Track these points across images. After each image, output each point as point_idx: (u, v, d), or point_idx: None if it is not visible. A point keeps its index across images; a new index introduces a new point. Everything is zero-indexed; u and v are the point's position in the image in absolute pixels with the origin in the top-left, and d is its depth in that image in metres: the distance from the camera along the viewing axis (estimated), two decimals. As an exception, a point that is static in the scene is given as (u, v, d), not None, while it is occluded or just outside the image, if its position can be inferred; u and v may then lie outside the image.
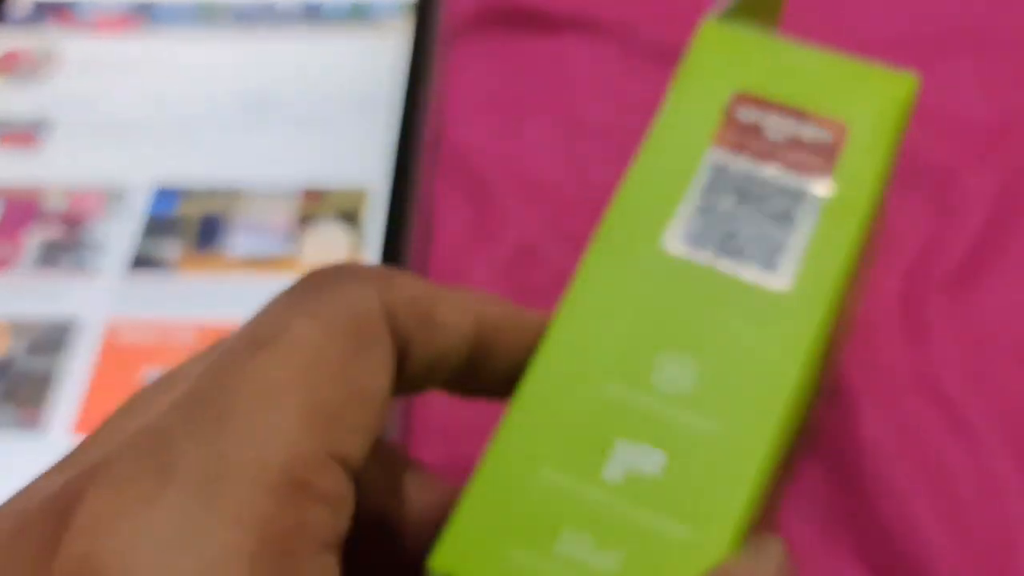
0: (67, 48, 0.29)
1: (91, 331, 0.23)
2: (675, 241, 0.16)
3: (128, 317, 0.24)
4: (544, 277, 0.25)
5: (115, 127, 0.27)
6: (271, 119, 0.27)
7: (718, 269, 0.16)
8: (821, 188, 0.17)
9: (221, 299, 0.24)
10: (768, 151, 0.17)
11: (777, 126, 0.17)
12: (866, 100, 0.17)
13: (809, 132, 0.17)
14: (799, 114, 0.17)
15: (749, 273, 0.16)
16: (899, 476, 0.22)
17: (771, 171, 0.17)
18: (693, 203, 0.17)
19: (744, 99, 0.18)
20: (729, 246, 0.16)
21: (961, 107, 0.27)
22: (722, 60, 0.18)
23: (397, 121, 0.27)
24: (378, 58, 0.28)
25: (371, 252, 0.24)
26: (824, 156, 0.17)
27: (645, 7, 0.30)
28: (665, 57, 0.29)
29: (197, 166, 0.26)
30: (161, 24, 0.30)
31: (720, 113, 0.17)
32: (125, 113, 0.28)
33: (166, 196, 0.26)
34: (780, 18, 0.22)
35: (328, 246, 0.25)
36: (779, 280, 0.16)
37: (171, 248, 0.25)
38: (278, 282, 0.24)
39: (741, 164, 0.17)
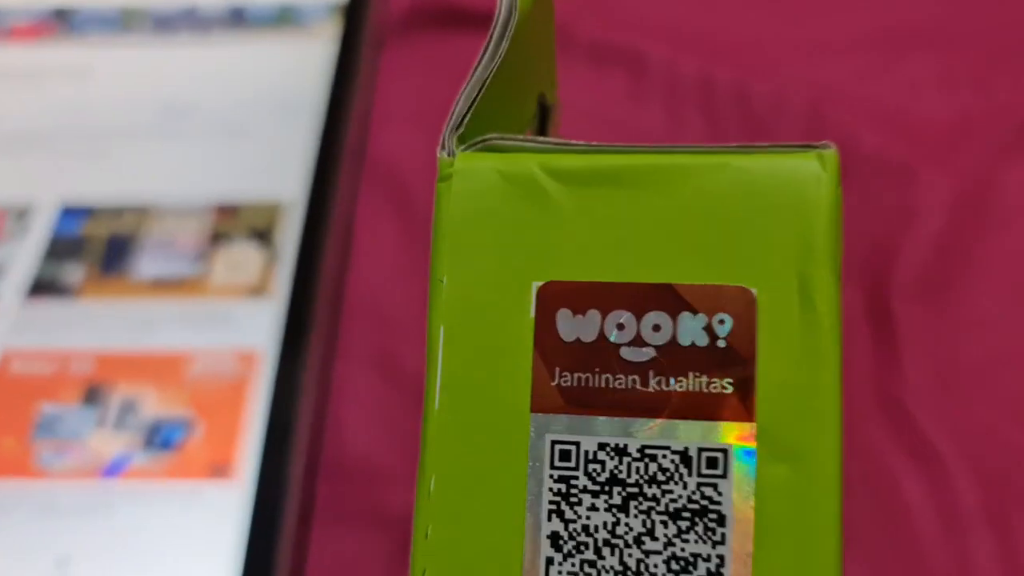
0: (-19, 58, 0.27)
1: (-16, 363, 0.21)
2: None
3: (23, 348, 0.22)
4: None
5: (24, 140, 0.25)
6: (187, 130, 0.25)
7: None
8: (741, 429, 0.10)
9: (124, 326, 0.22)
10: (632, 388, 0.10)
11: (632, 329, 0.10)
12: (769, 221, 0.10)
13: (691, 325, 0.10)
14: (663, 295, 0.10)
15: None
16: (850, 510, 0.19)
17: (652, 426, 0.10)
18: (522, 535, 0.10)
19: (558, 294, 0.10)
20: None
21: (920, 106, 0.25)
22: (499, 226, 0.11)
23: (319, 131, 0.25)
24: (304, 64, 0.26)
25: (284, 272, 0.22)
26: (731, 357, 0.10)
27: (583, 4, 0.27)
28: (603, 57, 0.26)
29: (107, 182, 0.24)
30: (79, 31, 0.27)
31: (523, 335, 0.10)
32: (36, 126, 0.25)
33: (72, 215, 0.24)
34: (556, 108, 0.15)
35: (240, 266, 0.23)
36: None
37: (73, 272, 0.23)
38: (186, 305, 0.22)
39: (597, 430, 0.10)
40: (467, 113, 0.11)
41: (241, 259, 0.22)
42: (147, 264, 0.22)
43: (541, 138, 0.11)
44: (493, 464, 0.10)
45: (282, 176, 0.23)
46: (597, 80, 0.25)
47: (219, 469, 0.19)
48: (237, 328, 0.21)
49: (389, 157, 0.24)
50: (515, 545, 0.10)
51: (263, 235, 0.22)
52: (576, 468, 0.10)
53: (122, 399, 0.20)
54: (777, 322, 0.10)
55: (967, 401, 0.20)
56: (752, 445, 0.10)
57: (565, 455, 0.10)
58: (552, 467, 0.10)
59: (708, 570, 0.10)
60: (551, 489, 0.10)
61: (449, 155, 0.11)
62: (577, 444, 0.10)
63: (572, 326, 0.11)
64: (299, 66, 0.25)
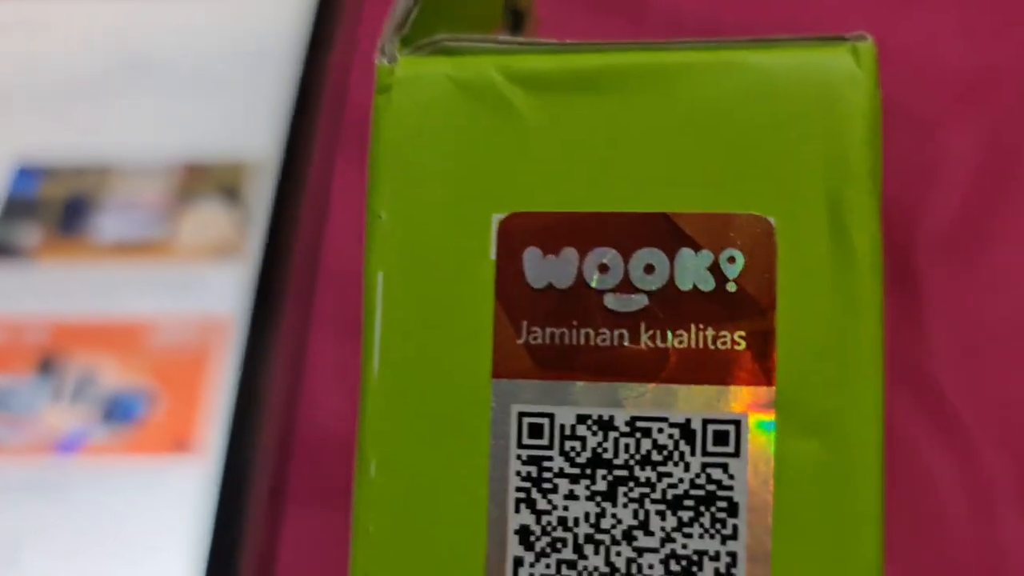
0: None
1: (-68, 332, 0.20)
2: None
3: (-27, 315, 0.20)
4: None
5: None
6: (152, 84, 0.23)
7: None
8: (757, 395, 0.08)
9: (82, 292, 0.20)
10: (619, 346, 0.08)
11: (618, 271, 0.08)
12: (790, 132, 0.08)
13: (693, 264, 0.08)
14: (657, 228, 0.08)
15: None
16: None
17: (645, 392, 0.08)
18: (484, 530, 0.08)
19: (526, 229, 0.09)
20: None
21: (941, 56, 0.23)
22: (451, 146, 0.09)
23: (294, 83, 0.23)
24: (278, 12, 0.24)
25: (256, 233, 0.21)
26: (744, 304, 0.08)
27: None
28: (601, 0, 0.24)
29: (66, 139, 0.22)
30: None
31: (481, 282, 0.09)
32: (-8, 81, 0.24)
33: (28, 174, 0.22)
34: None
35: (208, 227, 0.21)
36: None
37: (29, 234, 0.21)
38: (149, 269, 0.21)
39: (576, 399, 0.08)
40: (412, 8, 0.09)
41: (209, 220, 0.20)
42: (108, 226, 0.20)
43: (502, 37, 0.09)
44: (447, 443, 0.08)
45: (254, 132, 0.21)
46: (594, 26, 0.23)
47: (183, 444, 0.18)
48: (204, 293, 0.20)
49: (370, 112, 0.23)
50: (476, 543, 0.08)
51: (233, 194, 0.21)
52: (550, 446, 0.08)
53: (79, 370, 0.19)
54: (802, 258, 0.08)
55: (997, 369, 0.18)
56: (771, 415, 0.08)
57: (536, 430, 0.08)
58: (520, 445, 0.08)
59: (716, 571, 0.08)
60: (519, 473, 0.08)
61: (390, 61, 0.09)
62: (551, 417, 0.08)
63: (543, 269, 0.08)
64: (273, 13, 0.24)
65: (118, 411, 0.18)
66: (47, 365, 0.19)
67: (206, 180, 0.21)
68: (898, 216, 0.21)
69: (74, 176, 0.21)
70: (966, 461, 0.17)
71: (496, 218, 0.09)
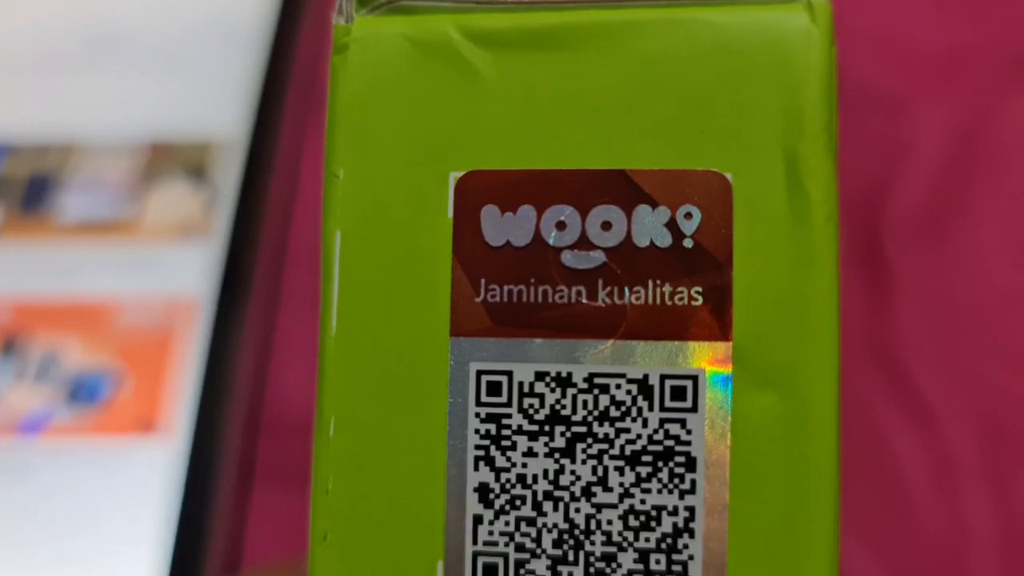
0: None
1: None
2: None
3: (-66, 295, 0.20)
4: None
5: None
6: (118, 62, 0.23)
7: None
8: (715, 350, 0.08)
9: (46, 271, 0.21)
10: (577, 303, 0.09)
11: (575, 228, 0.09)
12: (746, 88, 0.08)
13: (650, 220, 0.08)
14: (614, 185, 0.09)
15: None
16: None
17: (603, 348, 0.08)
18: (443, 488, 0.09)
19: (483, 187, 0.09)
20: (572, 554, 0.08)
21: (913, 32, 0.24)
22: (408, 105, 0.09)
23: (263, 61, 0.23)
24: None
25: (223, 212, 0.21)
26: (701, 260, 0.08)
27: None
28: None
29: (29, 117, 0.22)
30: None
31: (439, 240, 0.09)
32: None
33: (-10, 153, 0.22)
34: None
35: (174, 206, 0.21)
36: None
37: (-10, 213, 0.21)
38: (114, 249, 0.21)
39: (534, 356, 0.09)
40: None
41: (176, 199, 0.21)
42: (72, 205, 0.21)
43: None
44: (405, 401, 0.09)
45: (221, 110, 0.22)
46: None
47: (149, 425, 0.18)
48: (170, 273, 0.20)
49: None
50: (435, 501, 0.08)
51: (200, 173, 0.21)
52: (508, 404, 0.09)
53: (43, 350, 0.19)
54: (759, 214, 0.08)
55: (963, 349, 0.19)
56: (728, 370, 0.08)
57: (494, 388, 0.09)
58: (478, 403, 0.09)
59: (675, 525, 0.08)
60: (478, 431, 0.09)
61: (347, 21, 0.09)
62: (509, 374, 0.09)
63: (500, 227, 0.09)
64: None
65: (83, 392, 0.18)
66: (10, 345, 0.19)
67: (172, 159, 0.21)
68: (866, 197, 0.21)
69: (37, 154, 0.21)
70: (931, 439, 0.18)
71: (454, 176, 0.09)
